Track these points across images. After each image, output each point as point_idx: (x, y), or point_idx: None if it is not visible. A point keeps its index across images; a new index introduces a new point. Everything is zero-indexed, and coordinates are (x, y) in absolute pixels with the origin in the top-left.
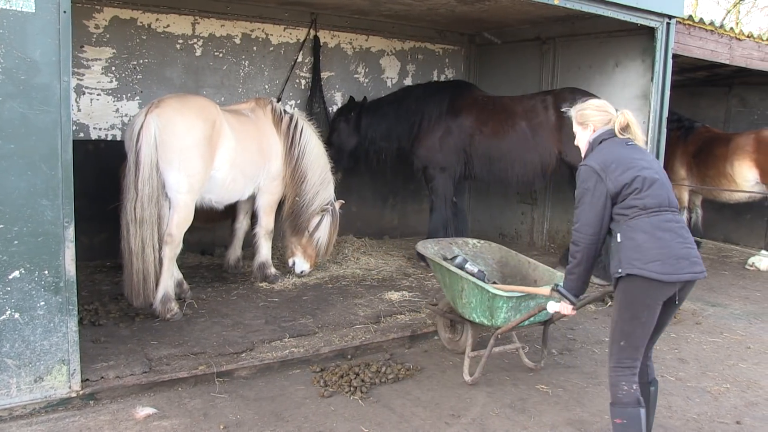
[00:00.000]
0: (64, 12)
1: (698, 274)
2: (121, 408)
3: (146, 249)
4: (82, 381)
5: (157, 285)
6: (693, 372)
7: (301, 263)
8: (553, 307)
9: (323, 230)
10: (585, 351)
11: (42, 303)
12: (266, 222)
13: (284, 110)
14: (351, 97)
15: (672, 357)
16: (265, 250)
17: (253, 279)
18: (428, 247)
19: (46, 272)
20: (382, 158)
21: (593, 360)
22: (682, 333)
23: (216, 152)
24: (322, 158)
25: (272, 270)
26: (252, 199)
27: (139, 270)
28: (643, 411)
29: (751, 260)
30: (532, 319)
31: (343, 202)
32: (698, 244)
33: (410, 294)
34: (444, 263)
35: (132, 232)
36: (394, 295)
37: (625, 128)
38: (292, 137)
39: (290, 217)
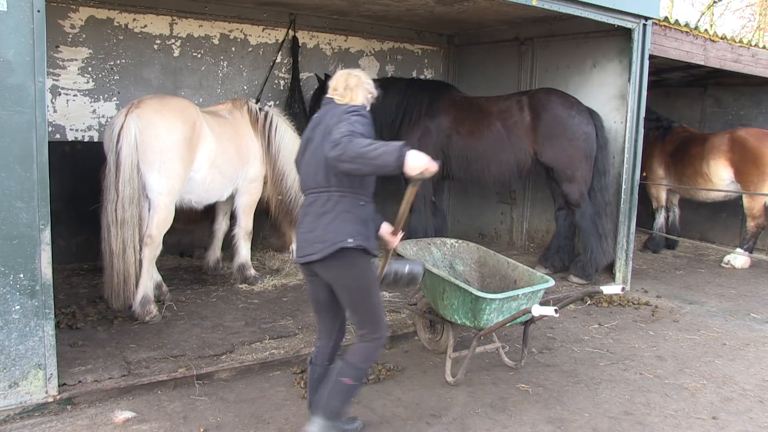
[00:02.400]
0: (38, 11)
1: (302, 258)
2: (99, 412)
3: (127, 250)
4: (59, 385)
5: (136, 287)
6: (671, 369)
7: None
8: (538, 310)
9: None
10: (564, 349)
11: (17, 307)
12: (245, 223)
13: (260, 109)
14: (326, 74)
15: (650, 354)
16: (244, 251)
17: (233, 280)
18: (408, 248)
19: (22, 275)
20: None
21: (573, 358)
22: (660, 331)
23: (196, 154)
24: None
25: (252, 271)
26: (231, 200)
27: (120, 271)
28: (311, 368)
29: (726, 258)
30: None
31: None
32: (675, 243)
33: (390, 294)
34: (425, 264)
35: (113, 234)
36: None
37: (334, 91)
38: (268, 136)
39: (281, 214)
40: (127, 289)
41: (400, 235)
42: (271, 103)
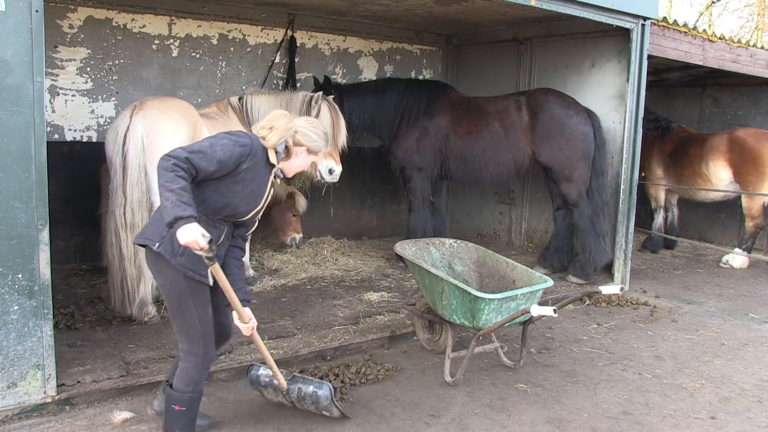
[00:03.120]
0: (36, 11)
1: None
2: (98, 413)
3: (139, 254)
4: (57, 386)
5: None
6: (669, 369)
7: (327, 164)
8: (537, 310)
9: (326, 120)
10: (563, 349)
11: (16, 307)
12: None
13: (239, 98)
14: (326, 76)
15: (649, 354)
16: None
17: None
18: (406, 248)
19: (20, 276)
20: (364, 149)
21: (571, 358)
22: (659, 331)
23: None
24: (274, 106)
25: (250, 272)
26: None
27: (133, 276)
28: None
29: (725, 258)
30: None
31: (332, 96)
32: (674, 243)
33: (389, 294)
34: (424, 264)
35: (123, 238)
36: (373, 296)
37: (260, 129)
38: (248, 122)
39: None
40: (138, 293)
41: (253, 323)
42: None
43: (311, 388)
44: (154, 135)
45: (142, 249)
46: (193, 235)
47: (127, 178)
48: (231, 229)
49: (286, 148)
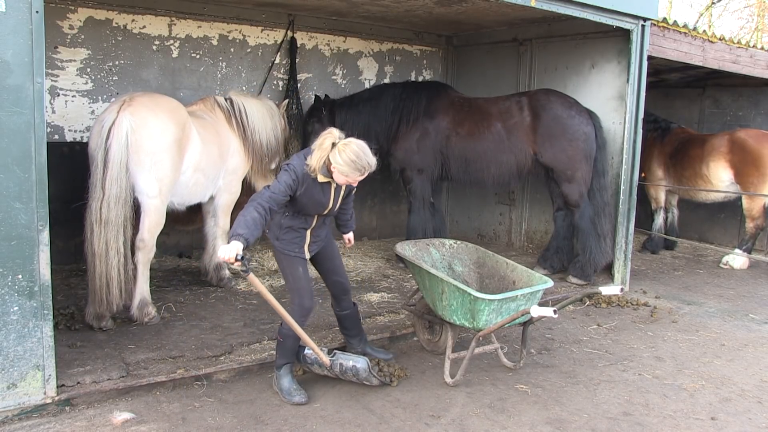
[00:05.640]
0: (37, 12)
1: None
2: (97, 413)
3: (110, 252)
4: (57, 387)
5: (121, 291)
6: (669, 369)
7: None
8: (537, 311)
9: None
10: (563, 350)
11: (16, 308)
12: (224, 222)
13: (225, 99)
14: (317, 96)
15: (649, 355)
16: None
17: (209, 279)
18: (406, 249)
19: (20, 276)
20: None
21: (571, 359)
22: (659, 331)
23: (184, 156)
24: (262, 111)
25: (226, 272)
26: (213, 199)
27: (102, 274)
28: None
29: (725, 259)
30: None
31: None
32: (674, 243)
33: (389, 295)
34: (424, 265)
35: (96, 233)
36: (374, 297)
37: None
38: (243, 124)
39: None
40: (110, 293)
41: (351, 243)
42: None
43: (351, 363)
44: (140, 134)
45: (115, 246)
46: (229, 248)
47: (107, 173)
48: (321, 218)
49: (327, 169)
